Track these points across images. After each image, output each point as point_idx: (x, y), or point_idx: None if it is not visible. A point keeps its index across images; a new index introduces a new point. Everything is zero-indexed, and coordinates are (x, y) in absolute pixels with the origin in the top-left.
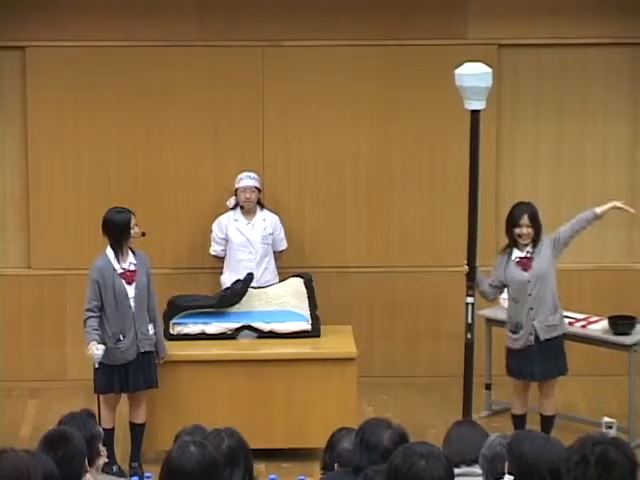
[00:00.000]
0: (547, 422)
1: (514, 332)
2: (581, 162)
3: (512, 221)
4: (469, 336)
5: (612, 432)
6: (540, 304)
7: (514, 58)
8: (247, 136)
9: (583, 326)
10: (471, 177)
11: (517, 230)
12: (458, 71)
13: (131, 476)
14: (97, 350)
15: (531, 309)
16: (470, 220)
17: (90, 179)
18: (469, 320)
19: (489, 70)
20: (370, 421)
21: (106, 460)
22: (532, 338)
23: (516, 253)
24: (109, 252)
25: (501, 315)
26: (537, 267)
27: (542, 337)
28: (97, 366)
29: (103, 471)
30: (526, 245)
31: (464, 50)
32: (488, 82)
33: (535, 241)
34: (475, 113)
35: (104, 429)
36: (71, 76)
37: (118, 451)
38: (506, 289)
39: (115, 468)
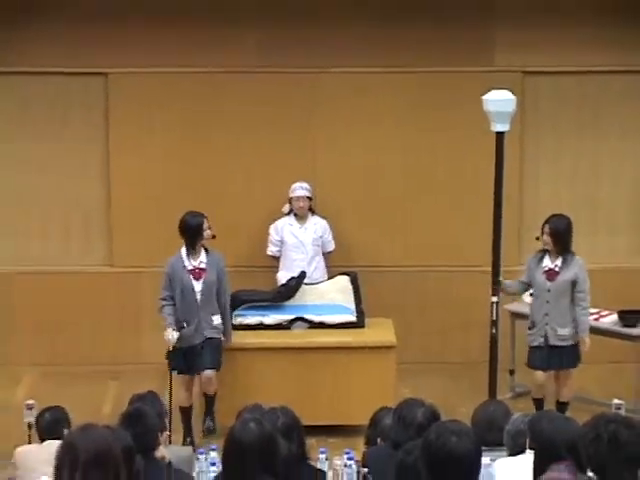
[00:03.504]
0: (561, 408)
1: (530, 328)
2: (597, 176)
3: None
4: (494, 331)
5: (621, 413)
6: (555, 313)
7: (536, 84)
8: (300, 151)
9: (595, 319)
10: (496, 189)
11: (542, 236)
12: (485, 97)
13: (205, 431)
14: (172, 336)
15: (546, 314)
16: (495, 229)
17: (164, 188)
18: (494, 317)
19: (512, 97)
20: (406, 400)
21: (168, 433)
22: (542, 340)
23: (546, 262)
24: (183, 250)
25: (523, 310)
26: (560, 280)
27: (552, 342)
28: (171, 349)
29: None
30: (552, 254)
31: (492, 76)
32: (511, 107)
33: (562, 255)
34: (499, 134)
35: (181, 407)
36: (147, 98)
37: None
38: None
39: (190, 439)
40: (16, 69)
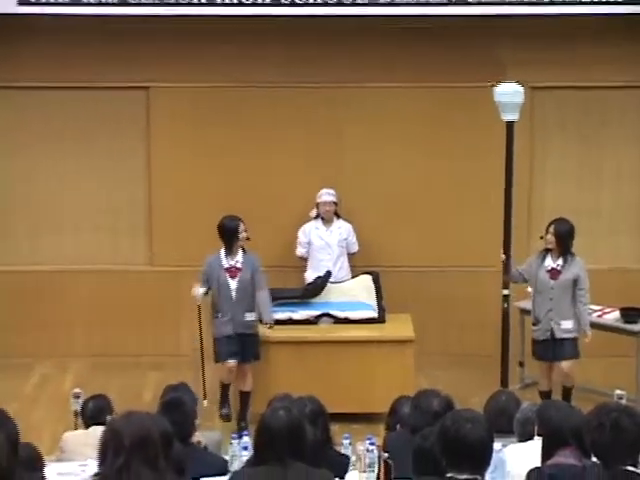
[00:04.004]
0: (566, 393)
1: (534, 324)
2: (600, 183)
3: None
4: (505, 325)
5: (623, 402)
6: (558, 309)
7: (544, 98)
8: (326, 160)
9: (599, 316)
10: (506, 190)
11: (545, 236)
12: (496, 90)
13: (239, 432)
14: (198, 291)
15: (550, 310)
16: (505, 225)
17: (201, 194)
18: (505, 306)
19: (521, 89)
20: (423, 390)
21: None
22: (548, 334)
23: (548, 261)
24: (222, 251)
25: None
26: (563, 279)
27: (557, 336)
28: (199, 302)
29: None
30: (555, 254)
31: None
32: (520, 98)
33: (563, 255)
34: (509, 124)
35: (222, 383)
36: (186, 110)
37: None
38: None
39: (225, 409)
40: (65, 84)
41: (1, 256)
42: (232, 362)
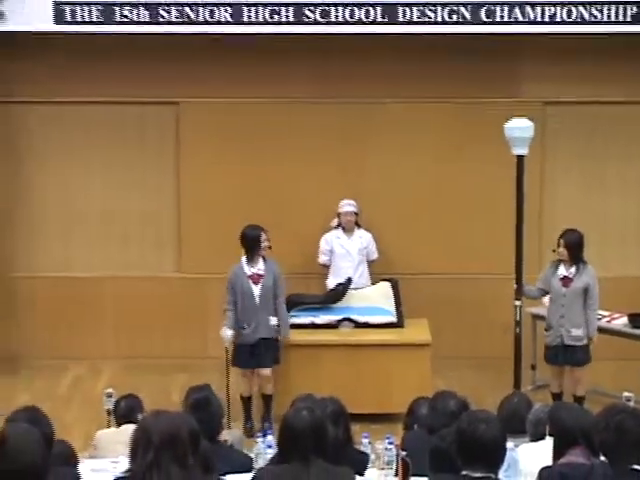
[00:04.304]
0: (577, 402)
1: (547, 330)
2: (608, 194)
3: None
4: (518, 330)
5: (631, 404)
6: (569, 315)
7: (556, 112)
8: (347, 172)
9: (608, 321)
10: (518, 206)
11: (557, 249)
12: (507, 125)
13: (263, 432)
14: (226, 334)
15: (562, 317)
16: (517, 240)
17: (227, 204)
18: (517, 318)
19: (531, 124)
20: (440, 392)
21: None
22: (559, 340)
23: (561, 270)
24: (243, 259)
25: (543, 312)
26: (574, 287)
27: (566, 342)
28: (227, 345)
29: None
30: (567, 263)
31: (516, 106)
32: (530, 133)
33: (575, 264)
34: (520, 157)
35: (242, 397)
36: (213, 124)
37: (255, 414)
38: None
39: (249, 425)
40: (100, 99)
41: (37, 263)
42: (250, 370)
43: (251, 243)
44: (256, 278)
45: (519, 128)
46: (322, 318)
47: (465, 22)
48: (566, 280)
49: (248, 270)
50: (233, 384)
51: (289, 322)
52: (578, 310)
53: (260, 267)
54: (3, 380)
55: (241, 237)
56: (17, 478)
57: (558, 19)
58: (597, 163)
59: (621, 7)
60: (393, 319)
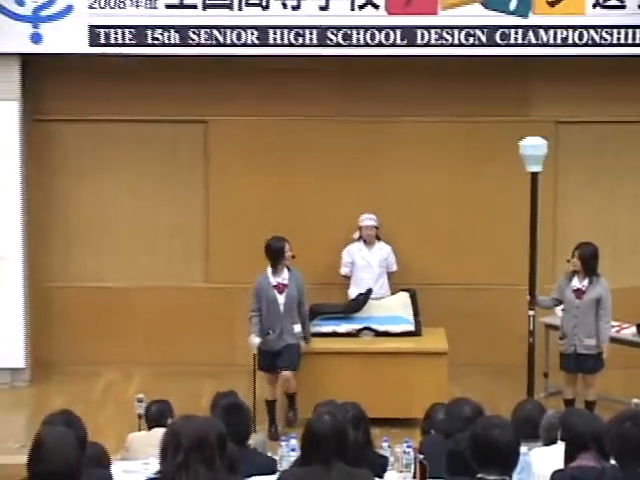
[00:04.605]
0: (589, 407)
1: (561, 339)
2: (618, 209)
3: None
4: (531, 340)
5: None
6: (582, 325)
7: (567, 131)
8: (368, 187)
9: (617, 331)
10: (532, 220)
11: (572, 259)
12: (521, 143)
13: (288, 436)
14: (254, 341)
15: (575, 326)
16: (531, 253)
17: (253, 217)
18: (531, 327)
19: (544, 142)
20: (456, 398)
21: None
22: (572, 348)
23: (575, 282)
24: (269, 269)
25: (556, 322)
26: (587, 299)
27: (579, 351)
28: (254, 352)
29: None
30: (580, 275)
31: (529, 125)
32: (543, 151)
33: (588, 277)
34: (534, 174)
35: (267, 401)
36: (241, 141)
37: (279, 418)
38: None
39: (273, 429)
40: (133, 117)
41: (71, 274)
42: (274, 374)
43: (275, 254)
44: (281, 287)
45: (533, 146)
46: (344, 327)
47: (481, 44)
48: (579, 292)
49: (273, 280)
50: (258, 389)
51: (311, 330)
52: (591, 320)
53: (284, 277)
54: (39, 385)
55: (266, 248)
56: (52, 479)
57: (570, 42)
58: (608, 179)
59: (630, 30)
60: (411, 328)
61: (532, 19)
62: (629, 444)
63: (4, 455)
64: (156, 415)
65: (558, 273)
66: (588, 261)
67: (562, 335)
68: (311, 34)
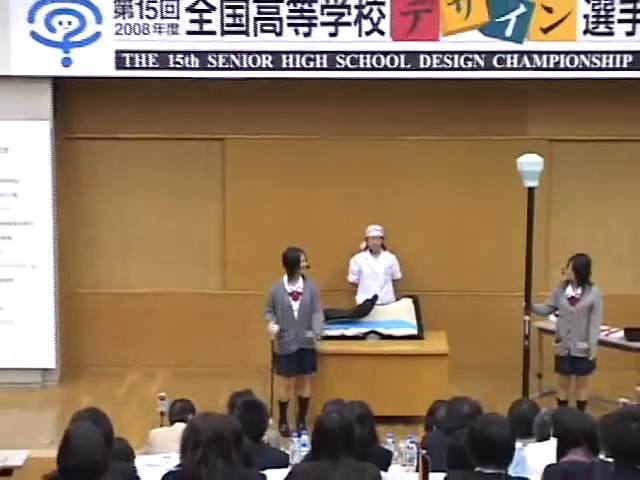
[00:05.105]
0: (580, 406)
1: (557, 342)
2: (607, 222)
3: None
4: (526, 343)
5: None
6: (576, 330)
7: (560, 149)
8: (374, 200)
9: (606, 335)
10: (528, 233)
11: (566, 270)
12: (519, 160)
13: (298, 432)
14: (273, 327)
15: (569, 331)
16: (527, 263)
17: (267, 228)
18: (526, 332)
19: (540, 159)
20: (455, 397)
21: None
22: (567, 351)
23: (569, 290)
24: (285, 277)
25: (550, 326)
26: (580, 306)
27: (573, 354)
28: (273, 339)
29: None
30: (573, 284)
31: (524, 143)
32: (539, 167)
33: (582, 285)
34: (530, 189)
35: (280, 402)
36: (255, 158)
37: (290, 416)
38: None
39: (284, 427)
40: (154, 135)
41: (98, 281)
42: (292, 378)
43: (292, 263)
44: (296, 295)
45: (530, 163)
46: (351, 330)
47: (479, 68)
48: (573, 300)
49: (288, 287)
50: (277, 389)
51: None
52: (583, 326)
53: (299, 285)
54: (68, 384)
55: (283, 258)
56: (80, 472)
57: (562, 66)
58: (597, 193)
59: (618, 56)
60: (414, 332)
61: (527, 45)
62: (634, 444)
63: (36, 449)
64: (179, 411)
65: (551, 281)
66: (581, 271)
67: (557, 339)
68: (321, 58)
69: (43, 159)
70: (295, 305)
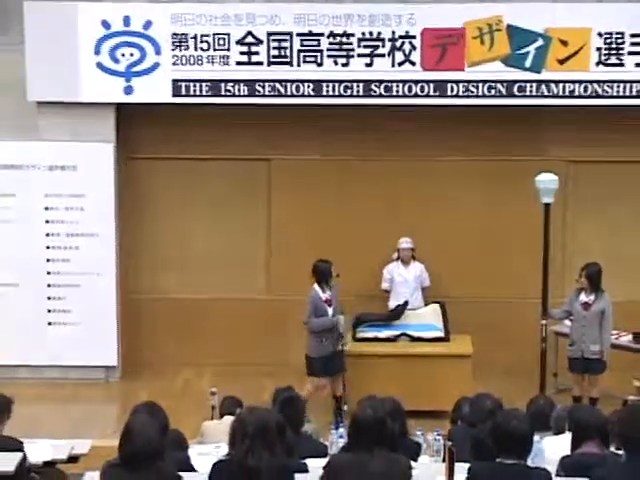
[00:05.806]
0: (593, 403)
1: (570, 345)
2: (619, 234)
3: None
4: (543, 345)
5: None
6: (589, 333)
7: (576, 169)
8: (405, 214)
9: (616, 338)
10: (545, 244)
11: (580, 278)
12: (537, 178)
13: (336, 425)
14: (340, 319)
15: (582, 334)
16: (544, 272)
17: (308, 240)
18: (543, 335)
19: (556, 178)
20: (479, 394)
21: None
22: (580, 353)
23: (582, 297)
24: (316, 286)
25: (564, 330)
26: (592, 311)
27: (586, 355)
28: (341, 331)
29: None
30: (587, 291)
31: (542, 164)
32: (555, 185)
33: (594, 292)
34: (547, 205)
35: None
36: (298, 177)
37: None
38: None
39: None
40: (207, 156)
41: (156, 287)
42: (326, 380)
43: (324, 273)
44: (330, 301)
45: (546, 181)
46: (384, 333)
47: (501, 96)
48: (586, 305)
49: (323, 295)
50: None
51: (357, 335)
52: (596, 329)
53: (330, 292)
54: (128, 381)
55: (314, 269)
56: (139, 459)
57: (576, 94)
58: (608, 209)
59: (628, 85)
60: (441, 334)
61: (545, 74)
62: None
63: (100, 439)
64: (229, 405)
65: (566, 288)
66: (594, 279)
67: (571, 342)
68: (358, 87)
69: (107, 177)
70: (330, 311)
